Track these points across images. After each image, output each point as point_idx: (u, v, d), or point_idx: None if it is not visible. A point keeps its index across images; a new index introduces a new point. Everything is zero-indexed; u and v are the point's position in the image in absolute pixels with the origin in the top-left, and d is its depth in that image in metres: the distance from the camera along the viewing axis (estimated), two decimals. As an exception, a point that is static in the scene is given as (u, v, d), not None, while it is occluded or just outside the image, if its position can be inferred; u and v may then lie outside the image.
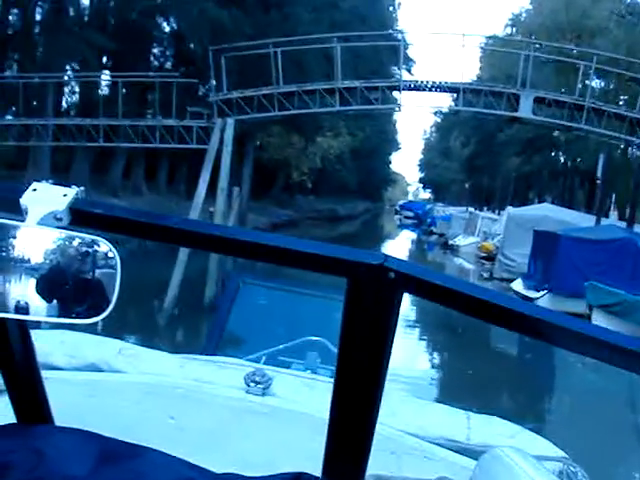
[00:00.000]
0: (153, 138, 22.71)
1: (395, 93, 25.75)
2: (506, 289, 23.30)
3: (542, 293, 19.80)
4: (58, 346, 2.44)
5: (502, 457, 1.60)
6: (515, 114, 22.24)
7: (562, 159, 70.93)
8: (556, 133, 71.58)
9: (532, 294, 20.25)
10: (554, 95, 23.67)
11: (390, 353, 0.86)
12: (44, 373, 1.30)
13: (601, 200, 27.31)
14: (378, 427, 1.54)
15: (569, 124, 22.58)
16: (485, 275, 30.00)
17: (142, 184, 37.17)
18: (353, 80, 24.43)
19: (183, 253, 17.38)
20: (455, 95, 25.06)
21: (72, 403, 1.70)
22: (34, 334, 1.17)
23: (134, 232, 0.94)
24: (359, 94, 22.99)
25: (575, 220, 27.18)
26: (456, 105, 25.09)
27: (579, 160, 65.02)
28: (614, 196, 48.16)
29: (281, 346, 3.66)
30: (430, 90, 24.72)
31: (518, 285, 22.55)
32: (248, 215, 34.37)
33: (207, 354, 3.22)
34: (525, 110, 21.61)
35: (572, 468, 2.24)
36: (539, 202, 62.69)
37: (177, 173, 42.76)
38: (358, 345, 0.85)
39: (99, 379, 2.32)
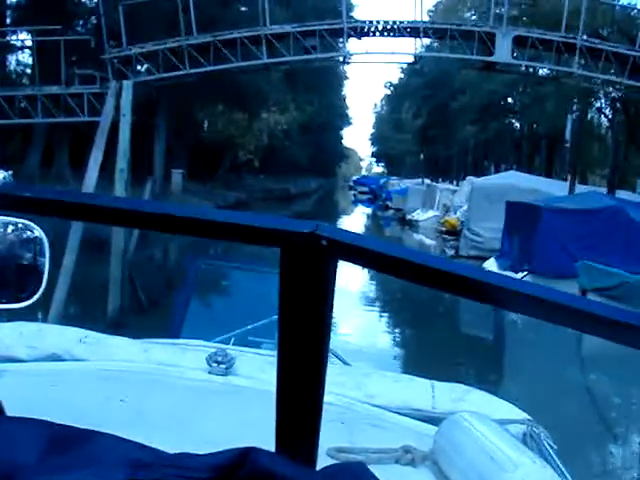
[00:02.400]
0: (34, 112, 18.64)
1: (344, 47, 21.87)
2: (476, 269, 20.70)
3: (522, 275, 17.15)
4: (17, 338, 2.50)
5: (462, 422, 1.95)
6: (490, 58, 18.71)
7: (518, 125, 69.47)
8: (510, 100, 70.58)
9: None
10: (538, 33, 19.83)
11: (330, 322, 0.84)
12: (3, 366, 1.59)
13: (573, 165, 24.84)
14: (341, 400, 2.27)
15: (559, 68, 19.29)
16: (450, 252, 27.42)
17: (66, 171, 33.47)
18: (283, 25, 20.52)
19: (69, 258, 13.88)
20: (415, 40, 21.02)
21: (31, 394, 1.87)
22: None
23: (65, 214, 0.93)
24: (292, 42, 19.30)
25: (546, 188, 24.83)
26: (417, 53, 21.05)
27: (536, 126, 63.50)
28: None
29: (249, 326, 3.69)
30: (382, 34, 20.91)
31: (491, 265, 19.87)
32: (186, 198, 31.50)
33: (171, 338, 3.21)
34: (502, 53, 18.26)
35: (535, 429, 2.36)
36: (496, 171, 61.16)
37: (113, 157, 39.45)
38: (296, 316, 0.83)
39: (60, 368, 2.38)
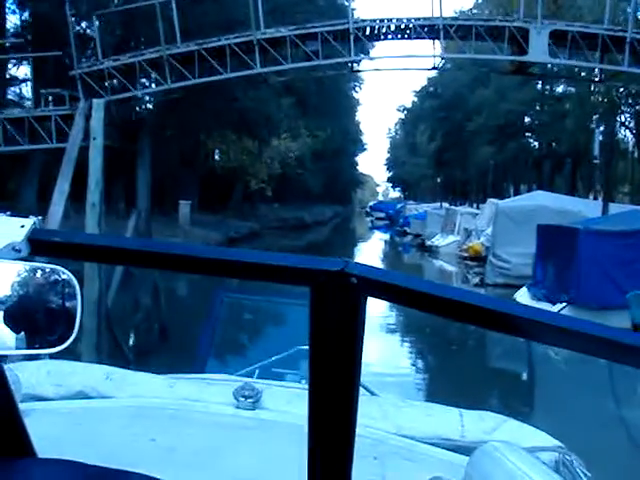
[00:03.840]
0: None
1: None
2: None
3: (560, 306, 15.30)
4: (44, 376, 2.49)
5: (493, 452, 1.91)
6: (524, 58, 16.46)
7: (537, 144, 67.87)
8: (527, 119, 69.04)
9: (545, 307, 15.72)
10: (580, 26, 17.07)
11: (361, 358, 0.87)
12: (31, 405, 1.63)
13: (606, 183, 23.00)
14: (370, 432, 2.27)
15: (606, 66, 16.96)
16: (475, 280, 25.54)
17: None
18: (279, 28, 18.07)
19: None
20: (434, 44, 18.38)
21: (59, 433, 1.93)
22: (19, 367, 1.37)
23: (94, 257, 0.98)
24: (291, 48, 17.05)
25: (577, 208, 23.10)
26: (437, 54, 18.30)
27: (555, 144, 61.87)
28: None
29: (273, 358, 3.70)
30: (396, 36, 18.58)
31: (524, 295, 18.00)
32: (193, 231, 29.81)
33: (196, 372, 3.23)
34: (538, 51, 16.08)
35: (567, 457, 2.33)
36: (515, 192, 59.44)
37: (114, 187, 37.79)
38: (327, 353, 0.86)
39: (86, 406, 2.39)
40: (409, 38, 18.45)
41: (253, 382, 2.66)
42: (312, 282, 0.82)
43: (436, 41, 18.95)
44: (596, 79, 21.70)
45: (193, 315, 16.79)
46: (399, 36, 18.36)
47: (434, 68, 18.72)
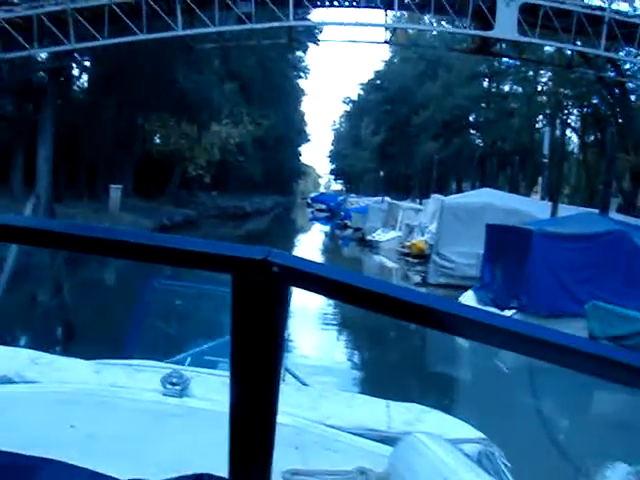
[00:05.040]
0: None
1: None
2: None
3: (510, 313, 14.26)
4: None
5: (416, 443, 2.02)
6: (489, 33, 15.03)
7: (481, 142, 67.74)
8: (474, 115, 68.83)
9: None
10: (554, 1, 15.20)
11: (283, 347, 0.87)
12: None
13: (556, 183, 22.15)
14: (296, 421, 2.27)
15: (582, 49, 15.55)
16: (417, 279, 24.51)
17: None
18: None
19: None
20: (386, 12, 16.67)
21: None
22: None
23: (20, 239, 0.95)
24: (219, 9, 15.42)
25: (526, 208, 22.24)
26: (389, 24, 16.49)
27: (501, 142, 61.68)
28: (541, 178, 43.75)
29: (205, 346, 3.73)
30: (344, 3, 16.98)
31: (470, 299, 16.92)
32: (122, 217, 28.28)
33: (125, 359, 3.11)
34: (505, 26, 14.71)
35: (490, 449, 2.40)
36: (458, 188, 59.01)
37: (13, 165, 35.24)
38: (248, 342, 0.85)
39: (8, 391, 2.33)
40: (358, 6, 17.00)
41: (181, 369, 2.62)
42: (234, 270, 0.80)
43: (389, 12, 17.50)
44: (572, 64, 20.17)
45: (108, 308, 15.54)
46: (347, 3, 16.88)
47: (386, 42, 17.15)
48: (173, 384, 2.38)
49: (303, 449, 2.11)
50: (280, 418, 0.86)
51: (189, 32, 15.57)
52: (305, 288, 0.85)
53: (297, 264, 0.82)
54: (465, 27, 14.40)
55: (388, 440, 2.29)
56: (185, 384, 2.39)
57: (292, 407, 2.41)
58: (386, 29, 18.74)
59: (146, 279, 4.33)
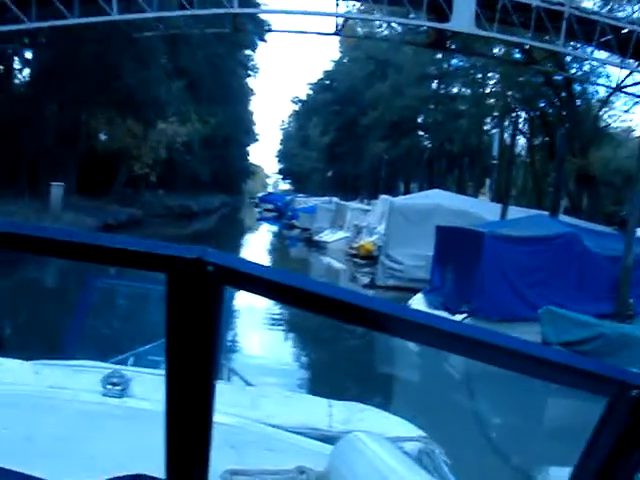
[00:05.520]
0: None
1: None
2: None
3: (461, 317, 13.96)
4: None
5: (356, 442, 2.03)
6: (446, 26, 14.55)
7: (430, 143, 67.93)
8: (422, 116, 68.97)
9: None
10: None
11: (218, 347, 0.87)
12: None
13: (506, 185, 21.97)
14: (237, 421, 2.23)
15: (541, 44, 15.14)
16: (365, 281, 24.16)
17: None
18: None
19: None
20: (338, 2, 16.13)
21: None
22: None
23: None
24: None
25: (476, 209, 22.04)
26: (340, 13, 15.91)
27: (448, 144, 61.85)
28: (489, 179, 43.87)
29: (148, 345, 3.66)
30: None
31: (420, 302, 16.61)
32: (64, 216, 27.44)
33: (65, 359, 3.05)
34: (463, 19, 14.24)
35: (430, 446, 2.45)
36: (406, 189, 59.03)
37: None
38: (183, 342, 0.85)
39: None
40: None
41: (123, 369, 2.58)
42: (168, 269, 0.80)
43: (340, 2, 17.06)
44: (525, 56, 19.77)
45: (46, 309, 14.95)
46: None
47: (336, 33, 16.61)
48: (113, 384, 2.36)
49: (243, 449, 2.12)
50: (221, 418, 0.91)
51: (125, 17, 14.84)
52: (240, 288, 0.83)
53: (232, 264, 0.81)
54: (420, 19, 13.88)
55: (329, 439, 2.30)
56: (126, 384, 2.37)
57: (234, 407, 2.40)
58: (336, 16, 18.05)
59: (87, 278, 4.25)
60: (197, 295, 0.81)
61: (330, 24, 18.23)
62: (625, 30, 13.14)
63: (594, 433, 1.01)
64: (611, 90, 27.60)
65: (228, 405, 2.32)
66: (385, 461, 1.92)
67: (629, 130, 60.96)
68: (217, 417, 0.86)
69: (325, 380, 12.59)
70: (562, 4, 13.53)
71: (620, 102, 53.97)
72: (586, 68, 44.95)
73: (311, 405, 2.65)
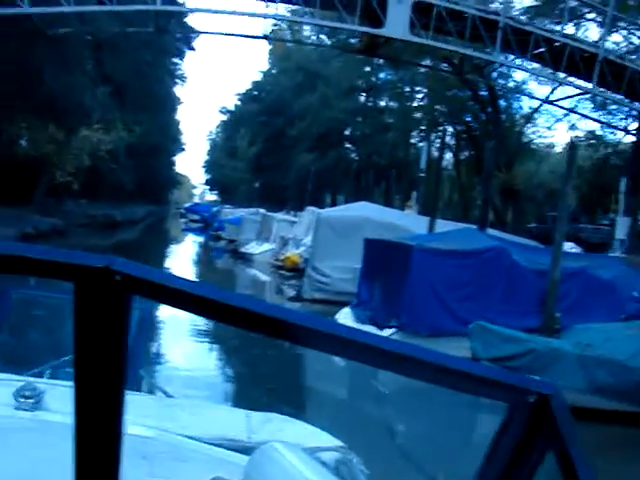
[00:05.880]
0: None
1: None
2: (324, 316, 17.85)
3: (388, 332, 13.66)
4: None
5: (272, 452, 2.03)
6: (379, 31, 14.09)
7: (357, 155, 68.11)
8: (350, 129, 69.10)
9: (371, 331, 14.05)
10: (448, 1, 14.14)
11: (126, 357, 0.86)
12: None
13: (433, 197, 21.84)
14: (154, 433, 2.20)
15: (475, 54, 14.81)
16: (291, 294, 23.76)
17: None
18: None
19: None
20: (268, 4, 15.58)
21: None
22: None
23: None
24: None
25: (404, 222, 21.81)
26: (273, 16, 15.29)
27: (375, 156, 62.04)
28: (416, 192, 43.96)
29: (66, 357, 3.46)
30: None
31: (347, 317, 16.26)
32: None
33: None
34: (397, 25, 13.81)
35: (348, 456, 2.50)
36: (332, 201, 58.90)
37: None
38: (91, 352, 0.85)
39: None
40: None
41: (36, 382, 2.53)
42: (75, 278, 0.79)
43: (270, 4, 16.54)
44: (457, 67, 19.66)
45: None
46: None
47: (264, 37, 16.04)
48: (26, 397, 2.30)
49: (158, 460, 2.08)
50: (136, 429, 0.89)
51: (38, 10, 14.27)
52: (149, 297, 0.81)
53: (140, 273, 0.80)
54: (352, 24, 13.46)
55: (247, 450, 2.27)
56: (39, 397, 2.32)
57: (150, 418, 2.37)
58: (265, 17, 17.55)
59: (3, 289, 4.13)
60: (105, 304, 0.79)
61: (259, 28, 17.74)
62: (558, 43, 13.04)
63: (495, 438, 1.06)
64: (541, 101, 27.88)
65: (144, 417, 2.29)
66: (300, 471, 1.92)
67: (551, 146, 62.24)
68: (132, 429, 0.91)
69: (248, 392, 12.48)
70: (498, 14, 13.26)
71: (542, 119, 55.11)
72: (511, 85, 45.73)
73: (229, 416, 2.68)
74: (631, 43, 32.87)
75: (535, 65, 13.92)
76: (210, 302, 0.81)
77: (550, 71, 13.07)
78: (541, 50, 12.89)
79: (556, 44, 12.75)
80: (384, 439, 10.04)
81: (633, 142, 44.21)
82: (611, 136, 51.74)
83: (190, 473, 2.09)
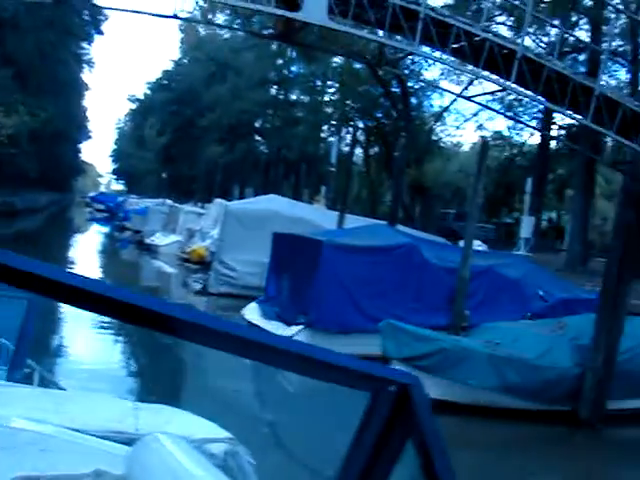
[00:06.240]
0: None
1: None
2: (228, 312, 18.01)
3: (296, 329, 13.33)
4: None
5: (153, 443, 2.03)
6: (296, 15, 13.49)
7: (267, 148, 67.71)
8: (260, 121, 68.58)
9: (277, 329, 13.66)
10: None
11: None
12: None
13: (344, 193, 21.62)
14: (37, 425, 2.11)
15: (393, 43, 14.39)
16: (197, 287, 23.19)
17: None
18: None
19: None
20: None
21: None
22: None
23: None
24: None
25: (314, 217, 21.64)
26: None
27: (285, 150, 61.74)
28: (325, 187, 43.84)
29: None
30: None
31: (253, 312, 15.85)
32: None
33: None
34: (315, 9, 13.18)
35: (235, 448, 2.53)
36: (240, 194, 58.36)
37: None
38: None
39: None
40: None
41: None
42: None
43: None
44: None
45: None
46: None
47: (175, 17, 15.43)
48: None
49: (40, 453, 2.04)
50: (20, 423, 0.80)
51: None
52: (12, 284, 0.78)
53: (2, 259, 0.78)
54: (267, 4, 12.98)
55: (133, 442, 2.24)
56: None
57: (37, 411, 2.32)
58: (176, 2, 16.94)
59: None
60: None
61: (170, 9, 17.18)
62: (478, 38, 12.87)
63: (359, 427, 1.07)
64: (456, 95, 27.96)
65: (31, 410, 2.25)
66: (180, 461, 1.91)
67: (459, 145, 63.12)
68: (17, 422, 0.81)
69: (146, 384, 12.31)
70: (419, 4, 12.89)
71: (451, 118, 55.78)
72: (426, 78, 46.06)
73: (117, 408, 2.61)
74: (542, 44, 33.50)
75: (454, 59, 13.82)
76: (76, 290, 0.76)
77: (470, 67, 12.91)
78: (462, 44, 12.76)
79: (476, 39, 12.65)
80: (272, 431, 10.19)
81: (538, 144, 45.19)
82: (517, 137, 52.81)
83: (72, 466, 2.00)
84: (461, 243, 16.64)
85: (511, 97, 42.07)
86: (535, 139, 49.14)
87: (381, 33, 13.36)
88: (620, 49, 33.39)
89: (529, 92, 13.39)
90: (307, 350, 0.95)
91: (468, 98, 16.12)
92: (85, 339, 14.98)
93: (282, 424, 10.66)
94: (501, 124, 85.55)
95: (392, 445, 1.07)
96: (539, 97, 13.17)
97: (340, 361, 0.98)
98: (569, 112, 13.43)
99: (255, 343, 0.91)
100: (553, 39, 32.88)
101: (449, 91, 34.40)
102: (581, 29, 36.39)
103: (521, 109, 42.02)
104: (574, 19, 33.58)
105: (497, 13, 34.43)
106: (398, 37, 13.70)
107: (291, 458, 9.14)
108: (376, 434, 1.06)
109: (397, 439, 1.07)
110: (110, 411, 2.57)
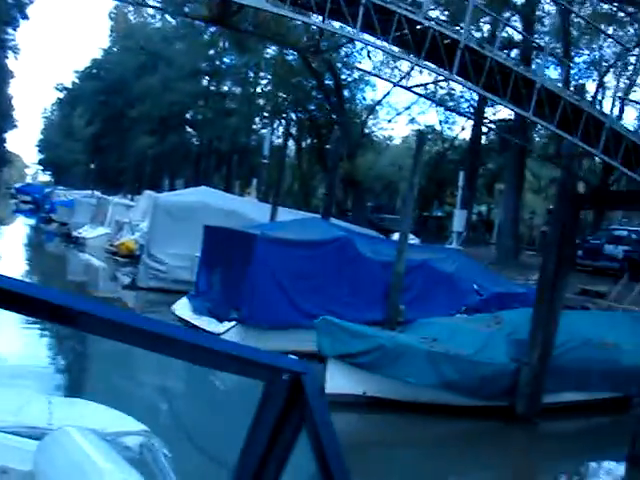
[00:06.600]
0: None
1: None
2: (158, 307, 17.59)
3: (229, 325, 12.94)
4: None
5: (62, 437, 1.99)
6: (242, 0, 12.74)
7: (198, 140, 66.92)
8: (191, 112, 67.62)
9: (209, 324, 13.26)
10: None
11: None
12: None
13: (277, 185, 21.30)
14: None
15: (329, 28, 13.81)
16: (126, 281, 22.58)
17: None
18: None
19: None
20: None
21: None
22: None
23: None
24: None
25: (245, 209, 21.26)
26: None
27: (217, 141, 61.08)
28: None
29: None
30: None
31: (184, 307, 15.38)
32: None
33: None
34: None
35: (151, 440, 2.52)
36: (171, 185, 57.56)
37: None
38: None
39: None
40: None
41: None
42: None
43: None
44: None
45: None
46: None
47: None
48: None
49: None
50: None
51: None
52: None
53: None
54: None
55: (45, 436, 2.18)
56: None
57: None
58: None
59: None
60: None
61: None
62: (420, 26, 12.60)
63: (255, 416, 1.08)
64: (393, 84, 27.85)
65: None
66: (89, 455, 1.88)
67: (390, 139, 63.26)
68: None
69: (62, 379, 12.09)
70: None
71: (384, 112, 55.83)
72: (356, 75, 46.00)
73: (30, 402, 2.55)
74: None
75: (396, 49, 13.51)
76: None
77: (412, 55, 12.61)
78: (404, 32, 12.46)
79: (418, 27, 12.39)
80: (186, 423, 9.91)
81: (470, 138, 45.51)
82: (448, 131, 53.13)
83: None
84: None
85: (443, 92, 42.35)
86: (466, 134, 49.52)
87: (320, 19, 12.95)
88: (551, 46, 33.74)
89: (470, 83, 13.23)
90: (201, 340, 0.94)
91: (407, 88, 15.89)
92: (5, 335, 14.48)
93: (191, 416, 10.38)
94: (433, 118, 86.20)
95: (286, 433, 1.07)
96: (480, 89, 12.99)
97: (234, 350, 0.98)
98: (511, 105, 13.32)
99: (150, 333, 0.90)
100: (486, 35, 33.14)
101: (388, 80, 34.27)
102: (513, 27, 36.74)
103: (452, 104, 42.16)
104: (506, 15, 33.71)
105: (432, 7, 34.46)
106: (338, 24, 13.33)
107: (197, 449, 9.03)
108: (271, 422, 1.06)
109: (292, 426, 1.07)
110: (23, 405, 2.51)
